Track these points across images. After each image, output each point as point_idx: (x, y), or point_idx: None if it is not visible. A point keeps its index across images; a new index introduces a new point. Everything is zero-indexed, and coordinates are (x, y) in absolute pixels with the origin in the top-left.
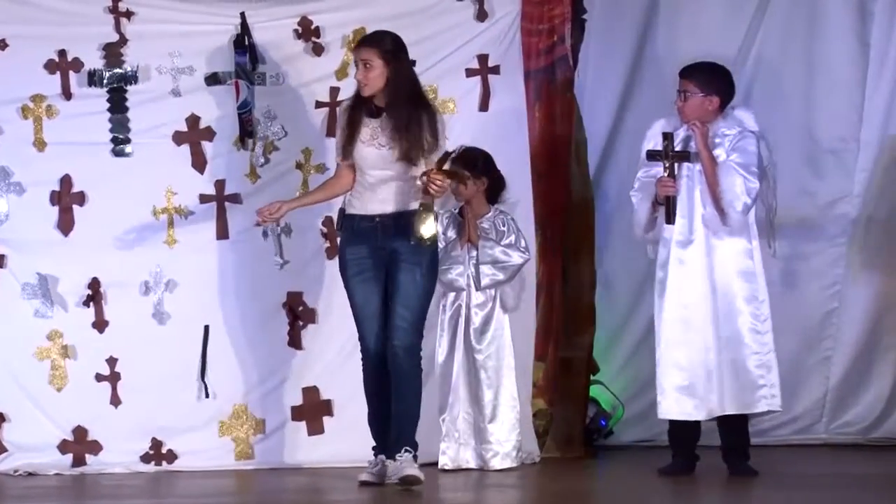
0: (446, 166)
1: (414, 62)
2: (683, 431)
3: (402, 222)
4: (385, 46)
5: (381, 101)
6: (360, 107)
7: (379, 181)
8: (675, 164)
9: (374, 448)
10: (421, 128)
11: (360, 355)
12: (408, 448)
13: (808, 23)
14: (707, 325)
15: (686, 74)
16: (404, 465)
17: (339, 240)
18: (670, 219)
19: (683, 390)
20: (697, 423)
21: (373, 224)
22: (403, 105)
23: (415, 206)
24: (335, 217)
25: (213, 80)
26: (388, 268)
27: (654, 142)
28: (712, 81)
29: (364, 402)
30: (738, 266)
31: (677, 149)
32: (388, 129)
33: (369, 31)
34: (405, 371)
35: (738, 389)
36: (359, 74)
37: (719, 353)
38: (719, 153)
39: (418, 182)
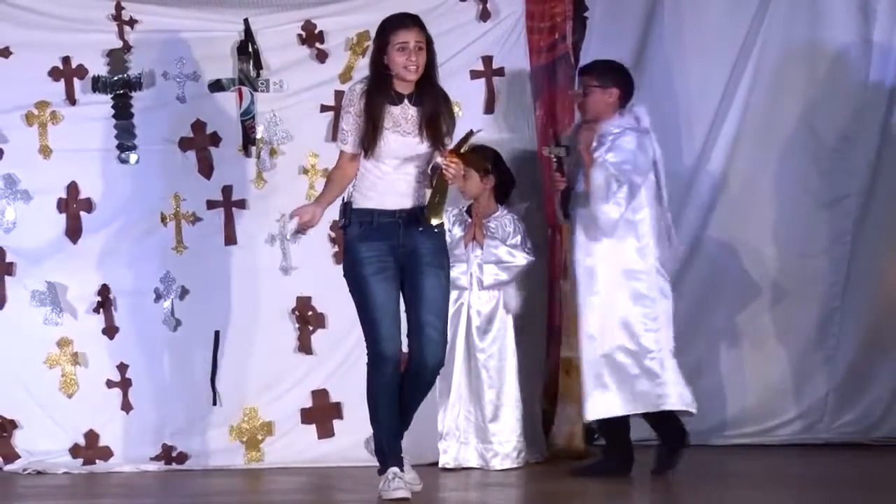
0: (464, 149)
1: None
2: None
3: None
4: (427, 32)
5: (404, 87)
6: (378, 92)
7: (398, 172)
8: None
9: (391, 461)
10: (446, 113)
11: (366, 358)
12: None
13: (810, 21)
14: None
15: (585, 71)
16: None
17: (346, 235)
18: (565, 214)
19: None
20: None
21: (393, 220)
22: (434, 90)
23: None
24: (331, 223)
25: (216, 86)
26: (405, 269)
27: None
28: (609, 74)
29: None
30: (624, 265)
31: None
32: (416, 115)
33: (373, 34)
34: (429, 384)
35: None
36: (410, 57)
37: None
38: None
39: (436, 162)
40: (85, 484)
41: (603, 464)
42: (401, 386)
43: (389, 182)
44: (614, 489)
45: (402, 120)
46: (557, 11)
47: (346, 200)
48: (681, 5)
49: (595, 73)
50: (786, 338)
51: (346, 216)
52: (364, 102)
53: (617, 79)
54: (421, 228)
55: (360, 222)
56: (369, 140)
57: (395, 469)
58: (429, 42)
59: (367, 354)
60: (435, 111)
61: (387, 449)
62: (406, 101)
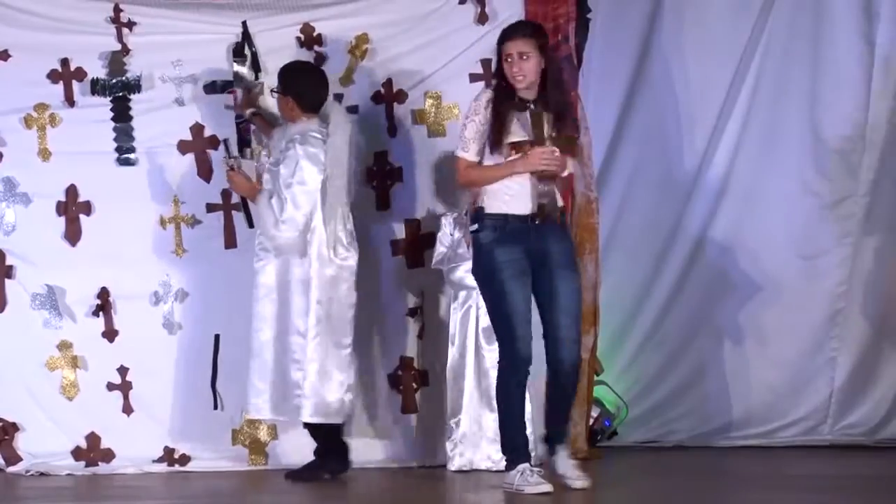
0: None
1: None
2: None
3: (554, 222)
4: (540, 37)
5: (528, 93)
6: (504, 100)
7: (527, 175)
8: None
9: (523, 457)
10: (573, 118)
11: (369, 363)
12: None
13: (813, 23)
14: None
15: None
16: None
17: (478, 239)
18: (250, 223)
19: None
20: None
21: (525, 223)
22: (560, 95)
23: (561, 203)
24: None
25: (211, 88)
26: (536, 271)
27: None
28: (284, 78)
29: (373, 408)
30: (297, 277)
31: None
32: (543, 121)
33: (372, 37)
34: (572, 385)
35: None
36: (514, 67)
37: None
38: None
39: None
40: (88, 485)
41: (317, 464)
42: (547, 393)
43: (520, 186)
44: (617, 489)
45: (529, 126)
46: (560, 13)
47: (477, 205)
48: (683, 7)
49: (278, 80)
50: (789, 339)
51: (479, 221)
52: (490, 111)
53: (289, 84)
54: (550, 229)
55: (493, 227)
56: (497, 146)
57: (527, 465)
58: (541, 48)
59: (501, 355)
60: (558, 114)
61: (521, 446)
62: (532, 105)
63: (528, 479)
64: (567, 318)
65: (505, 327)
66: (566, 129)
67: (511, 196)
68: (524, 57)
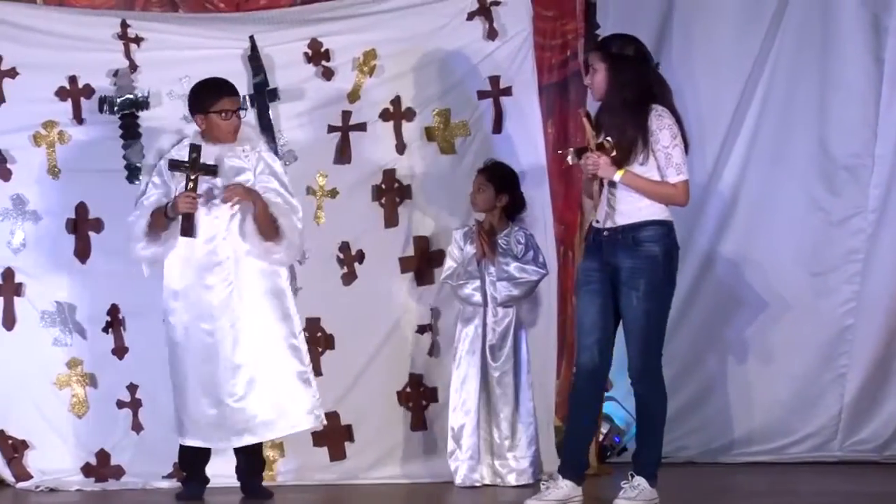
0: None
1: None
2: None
3: (621, 237)
4: (608, 49)
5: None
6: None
7: (605, 189)
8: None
9: (561, 468)
10: (636, 131)
11: (377, 380)
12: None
13: (821, 39)
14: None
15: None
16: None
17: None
18: (191, 232)
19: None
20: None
21: (598, 237)
22: (620, 109)
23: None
24: (340, 245)
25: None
26: (614, 286)
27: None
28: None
29: (382, 424)
30: (266, 285)
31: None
32: (606, 133)
33: (380, 53)
34: (639, 396)
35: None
36: (586, 79)
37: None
38: (248, 176)
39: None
40: (97, 501)
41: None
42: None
43: (601, 199)
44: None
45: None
46: (569, 29)
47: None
48: (691, 23)
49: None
50: (798, 356)
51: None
52: (592, 121)
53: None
54: (621, 245)
55: (587, 237)
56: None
57: (556, 476)
58: (604, 58)
59: None
60: (615, 128)
61: (564, 458)
62: (605, 118)
63: (543, 486)
64: (627, 332)
65: (576, 335)
66: (608, 135)
67: (597, 209)
68: (591, 69)
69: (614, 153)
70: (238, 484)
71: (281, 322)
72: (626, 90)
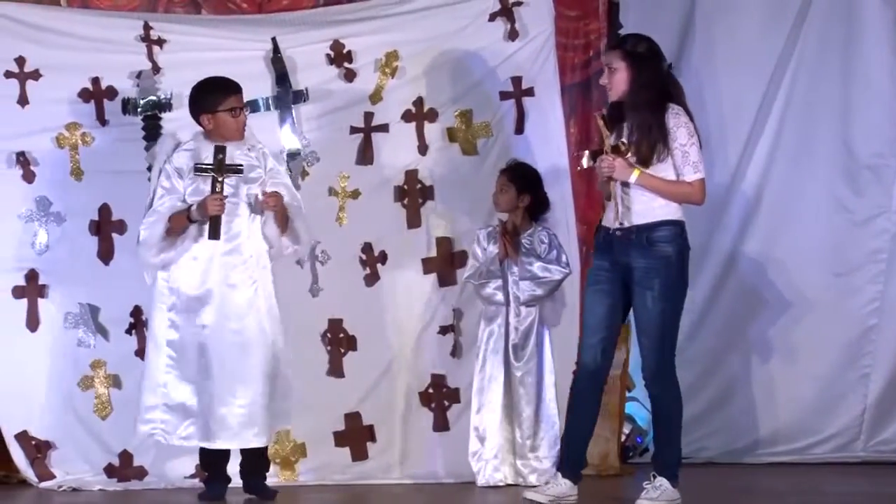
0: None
1: (656, 65)
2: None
3: (634, 236)
4: (627, 48)
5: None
6: (616, 112)
7: (616, 188)
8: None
9: (560, 466)
10: (659, 132)
11: (400, 380)
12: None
13: (845, 38)
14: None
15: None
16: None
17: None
18: (218, 235)
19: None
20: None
21: (608, 236)
22: (643, 108)
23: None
24: (362, 246)
25: (251, 107)
26: (627, 286)
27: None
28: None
29: (404, 425)
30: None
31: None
32: (628, 133)
33: (402, 54)
34: (654, 396)
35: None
36: (603, 79)
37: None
38: (261, 173)
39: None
40: (120, 501)
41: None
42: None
43: (615, 199)
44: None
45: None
46: (592, 29)
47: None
48: (714, 22)
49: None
50: (822, 356)
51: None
52: (604, 121)
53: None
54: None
55: (597, 236)
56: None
57: (555, 475)
58: (624, 57)
59: None
60: (639, 128)
61: (562, 454)
62: (627, 118)
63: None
64: (642, 335)
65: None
66: (631, 134)
67: (607, 209)
68: (609, 69)
69: (629, 155)
70: (240, 484)
71: (280, 323)
72: (647, 89)
